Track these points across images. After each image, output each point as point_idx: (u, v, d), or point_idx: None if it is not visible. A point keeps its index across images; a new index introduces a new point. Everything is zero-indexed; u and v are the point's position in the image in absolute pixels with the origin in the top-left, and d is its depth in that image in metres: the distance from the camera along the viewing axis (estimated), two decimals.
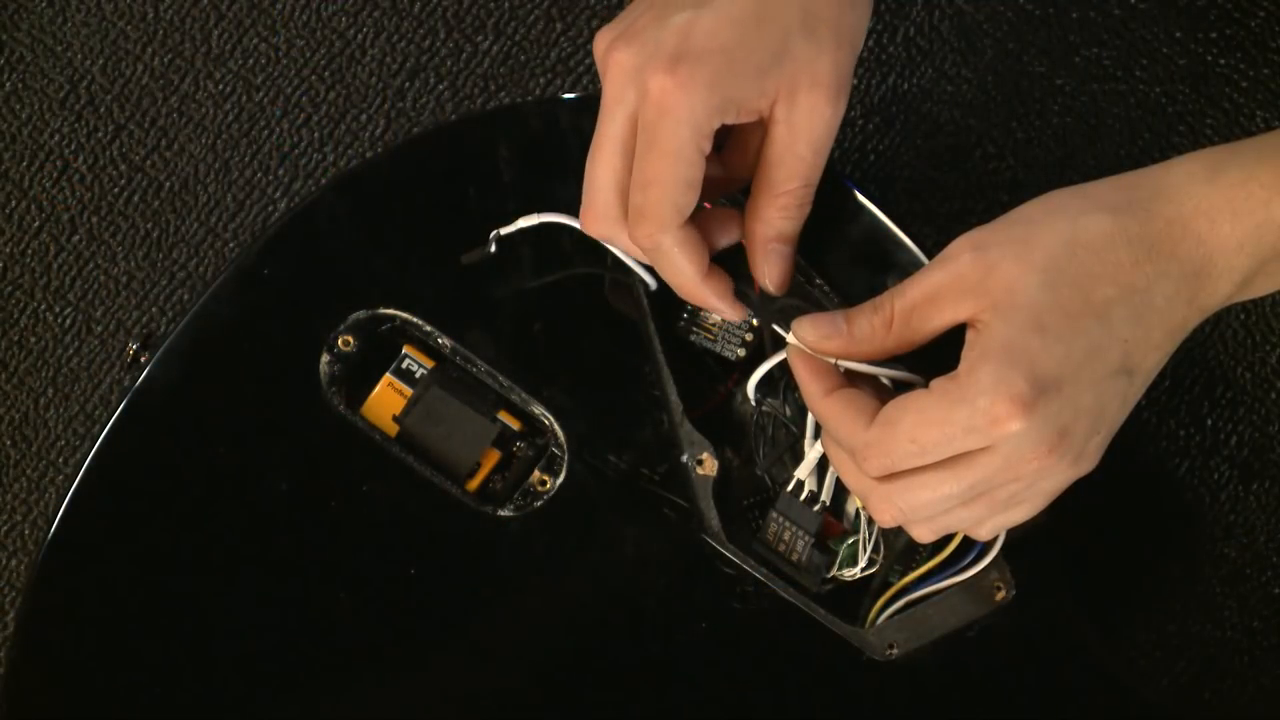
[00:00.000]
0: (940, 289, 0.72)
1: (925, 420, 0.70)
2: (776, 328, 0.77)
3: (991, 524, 0.74)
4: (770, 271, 0.76)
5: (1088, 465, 0.73)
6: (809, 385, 0.74)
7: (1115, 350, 0.71)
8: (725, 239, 0.77)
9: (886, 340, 0.73)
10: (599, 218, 0.75)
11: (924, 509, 0.72)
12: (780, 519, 0.79)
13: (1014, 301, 0.70)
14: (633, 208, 0.73)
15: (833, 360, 0.75)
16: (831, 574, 0.79)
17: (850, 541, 0.79)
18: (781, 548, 0.79)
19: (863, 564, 0.79)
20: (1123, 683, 0.81)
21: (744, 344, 0.80)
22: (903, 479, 0.72)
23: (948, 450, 0.70)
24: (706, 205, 0.77)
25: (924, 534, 0.75)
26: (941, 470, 0.71)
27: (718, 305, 0.76)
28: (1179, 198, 0.71)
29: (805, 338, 0.74)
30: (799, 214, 0.76)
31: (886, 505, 0.73)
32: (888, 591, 0.79)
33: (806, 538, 0.78)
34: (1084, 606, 0.87)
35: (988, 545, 0.79)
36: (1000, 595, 0.79)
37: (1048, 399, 0.69)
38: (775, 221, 0.76)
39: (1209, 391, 0.90)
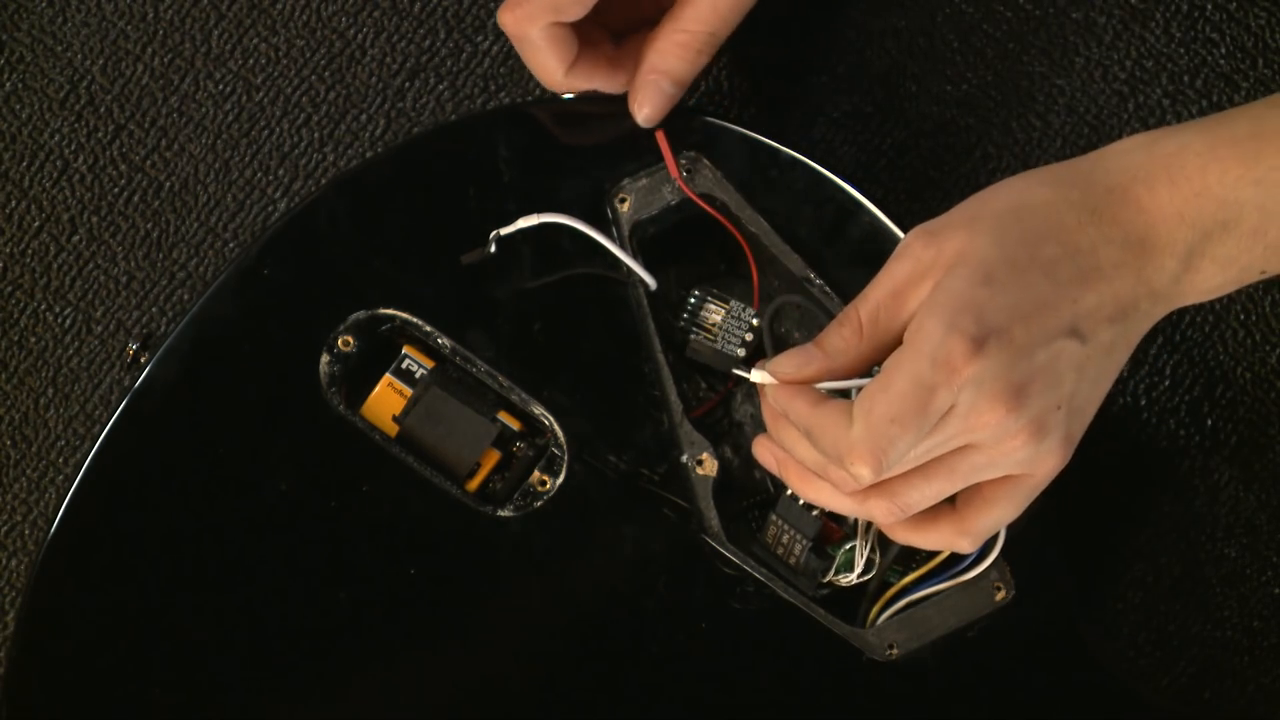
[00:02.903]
0: (899, 281, 0.71)
1: (890, 391, 0.69)
2: (738, 371, 0.78)
3: (964, 519, 0.74)
4: (645, 103, 0.78)
5: (1055, 443, 0.71)
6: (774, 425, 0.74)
7: (1065, 309, 0.70)
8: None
9: (861, 346, 0.72)
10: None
11: (916, 506, 0.72)
12: (780, 522, 0.79)
13: (964, 260, 0.70)
14: None
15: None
16: (827, 579, 0.79)
17: (848, 547, 0.79)
18: (780, 551, 0.79)
19: (859, 570, 0.79)
20: (1123, 683, 0.81)
21: (744, 344, 0.80)
22: (895, 481, 0.71)
23: (924, 414, 0.69)
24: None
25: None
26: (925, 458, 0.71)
27: (583, 88, 0.79)
28: (1117, 168, 0.72)
29: (783, 372, 0.73)
30: (694, 60, 0.78)
31: (887, 505, 0.72)
32: (888, 592, 0.79)
33: (804, 542, 0.78)
34: (1084, 606, 0.87)
35: (988, 545, 0.79)
36: (1000, 595, 0.79)
37: (999, 343, 0.68)
38: (669, 56, 0.78)
39: (1209, 391, 0.89)
